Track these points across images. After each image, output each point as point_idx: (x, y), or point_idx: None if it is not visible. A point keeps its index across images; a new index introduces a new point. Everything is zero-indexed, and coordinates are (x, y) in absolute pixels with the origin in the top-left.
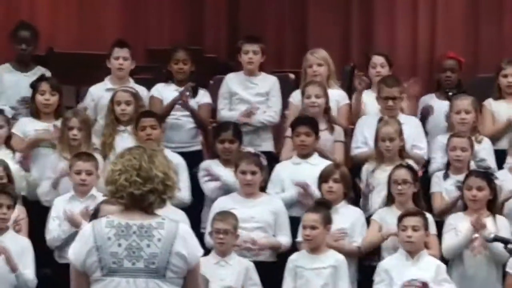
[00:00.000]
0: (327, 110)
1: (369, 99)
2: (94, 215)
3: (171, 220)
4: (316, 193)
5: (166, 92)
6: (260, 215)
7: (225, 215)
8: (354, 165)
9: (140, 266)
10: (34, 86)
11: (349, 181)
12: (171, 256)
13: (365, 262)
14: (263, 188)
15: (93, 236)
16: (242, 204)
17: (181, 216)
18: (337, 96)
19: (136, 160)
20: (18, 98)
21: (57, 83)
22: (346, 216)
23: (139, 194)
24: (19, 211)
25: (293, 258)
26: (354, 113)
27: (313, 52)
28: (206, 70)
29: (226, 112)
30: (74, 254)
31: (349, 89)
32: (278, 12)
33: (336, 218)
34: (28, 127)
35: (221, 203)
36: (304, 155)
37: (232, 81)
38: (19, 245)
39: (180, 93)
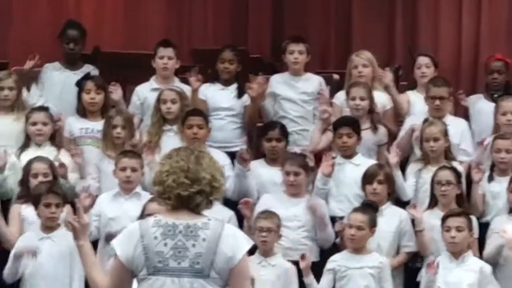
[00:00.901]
0: (371, 111)
1: (416, 101)
2: (141, 213)
3: (217, 220)
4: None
5: (210, 92)
6: (303, 215)
7: (268, 213)
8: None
9: (185, 266)
10: (79, 84)
11: (393, 182)
12: (216, 256)
13: (409, 263)
14: None
15: (139, 234)
16: (286, 203)
17: (229, 215)
18: (382, 98)
19: (184, 162)
20: None
21: (103, 82)
22: (391, 217)
23: (187, 196)
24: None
25: (335, 259)
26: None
27: (358, 53)
28: (251, 70)
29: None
30: (121, 250)
31: None
32: (322, 12)
33: (382, 220)
34: (74, 126)
35: (266, 201)
36: (347, 155)
37: (277, 82)
38: (69, 243)
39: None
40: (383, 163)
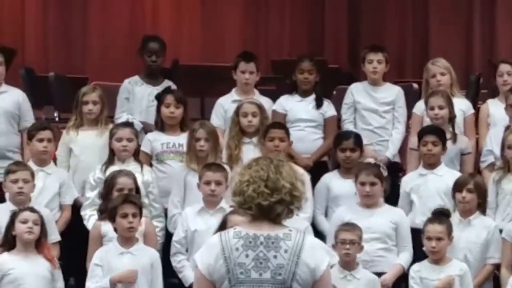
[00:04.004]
0: (451, 119)
1: (496, 109)
2: (222, 226)
3: (298, 231)
4: None
5: (290, 103)
6: (378, 226)
7: (351, 226)
8: None
9: (267, 277)
10: (159, 98)
11: (483, 191)
12: (298, 268)
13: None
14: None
15: (220, 246)
16: (360, 214)
17: (305, 226)
18: (462, 105)
19: (263, 171)
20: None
21: (182, 96)
22: (480, 228)
23: (267, 205)
24: (145, 224)
25: (416, 269)
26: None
27: (434, 61)
28: (329, 80)
29: (350, 126)
30: (202, 262)
31: (475, 99)
32: (398, 21)
33: (470, 231)
34: (154, 142)
35: (341, 214)
36: (431, 165)
37: (357, 91)
38: (148, 258)
39: None
40: (472, 173)
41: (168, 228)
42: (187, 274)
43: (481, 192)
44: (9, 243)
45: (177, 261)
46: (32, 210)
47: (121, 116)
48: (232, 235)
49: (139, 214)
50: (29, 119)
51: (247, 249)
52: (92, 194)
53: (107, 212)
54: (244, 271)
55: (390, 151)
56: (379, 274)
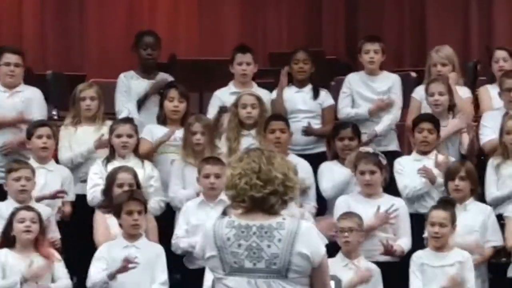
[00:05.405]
0: (451, 107)
1: (494, 95)
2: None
3: (292, 219)
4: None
5: (286, 95)
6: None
7: (349, 213)
8: (480, 161)
9: (261, 267)
10: (162, 93)
11: (475, 178)
12: (293, 257)
13: (493, 259)
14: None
15: (213, 235)
16: (364, 204)
17: (308, 216)
18: (460, 92)
19: (255, 163)
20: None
21: (185, 90)
22: (475, 213)
23: (260, 197)
24: (147, 220)
25: (418, 256)
26: (275, 109)
27: (437, 50)
28: (327, 71)
29: (348, 110)
30: (199, 248)
31: (473, 86)
32: (396, 11)
33: (466, 216)
34: (156, 135)
35: (343, 203)
36: (424, 153)
37: (354, 80)
38: (152, 252)
39: None
40: (464, 160)
41: (171, 205)
42: (190, 241)
43: (473, 179)
44: (9, 241)
45: (177, 243)
46: (29, 208)
47: (123, 110)
48: (225, 224)
49: (144, 210)
50: (35, 114)
51: (239, 238)
52: (98, 180)
53: (111, 208)
54: (237, 260)
55: (379, 127)
56: (382, 263)
